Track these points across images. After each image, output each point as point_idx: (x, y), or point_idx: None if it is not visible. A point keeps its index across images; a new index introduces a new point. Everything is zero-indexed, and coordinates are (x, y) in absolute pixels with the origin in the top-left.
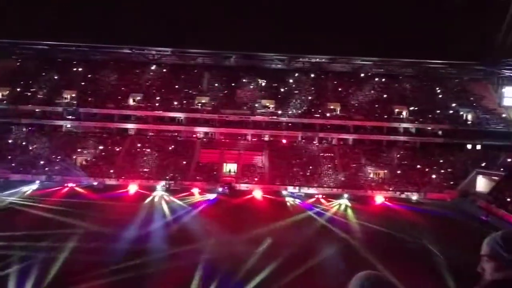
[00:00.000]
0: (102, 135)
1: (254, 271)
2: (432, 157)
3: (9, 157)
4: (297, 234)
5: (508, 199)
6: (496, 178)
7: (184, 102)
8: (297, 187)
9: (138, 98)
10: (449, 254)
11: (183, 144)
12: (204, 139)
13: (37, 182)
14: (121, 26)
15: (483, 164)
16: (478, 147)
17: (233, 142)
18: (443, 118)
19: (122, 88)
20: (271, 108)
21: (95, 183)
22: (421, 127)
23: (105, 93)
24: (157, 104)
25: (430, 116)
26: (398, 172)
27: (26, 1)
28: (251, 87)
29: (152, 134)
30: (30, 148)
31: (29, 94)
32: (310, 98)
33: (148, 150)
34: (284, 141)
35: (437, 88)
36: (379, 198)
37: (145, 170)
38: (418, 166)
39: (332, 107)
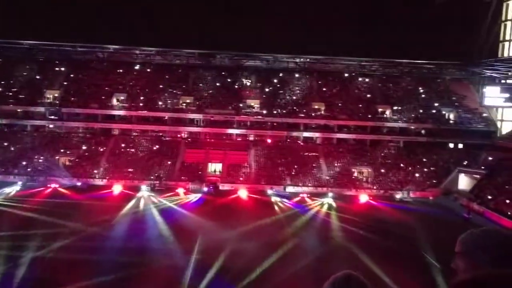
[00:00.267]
0: (86, 135)
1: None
2: (415, 156)
3: None
4: (278, 231)
5: (489, 197)
6: (477, 176)
7: (169, 101)
8: (282, 186)
9: (122, 98)
10: (432, 251)
11: (168, 144)
12: (189, 139)
13: (19, 183)
14: (105, 25)
15: (465, 163)
16: (460, 146)
17: (218, 142)
18: (426, 118)
19: (106, 88)
20: (256, 107)
21: (79, 184)
22: (405, 126)
23: (88, 93)
24: (141, 104)
25: (413, 115)
26: (382, 170)
27: (8, 1)
28: (236, 86)
29: (137, 134)
30: (12, 148)
31: (10, 94)
32: (294, 98)
33: (133, 150)
34: (269, 140)
35: (420, 88)
36: (363, 197)
37: (130, 170)
38: (402, 165)
39: (316, 106)
